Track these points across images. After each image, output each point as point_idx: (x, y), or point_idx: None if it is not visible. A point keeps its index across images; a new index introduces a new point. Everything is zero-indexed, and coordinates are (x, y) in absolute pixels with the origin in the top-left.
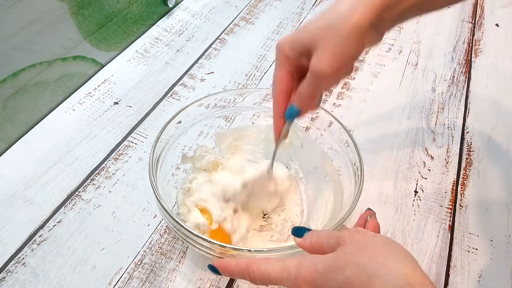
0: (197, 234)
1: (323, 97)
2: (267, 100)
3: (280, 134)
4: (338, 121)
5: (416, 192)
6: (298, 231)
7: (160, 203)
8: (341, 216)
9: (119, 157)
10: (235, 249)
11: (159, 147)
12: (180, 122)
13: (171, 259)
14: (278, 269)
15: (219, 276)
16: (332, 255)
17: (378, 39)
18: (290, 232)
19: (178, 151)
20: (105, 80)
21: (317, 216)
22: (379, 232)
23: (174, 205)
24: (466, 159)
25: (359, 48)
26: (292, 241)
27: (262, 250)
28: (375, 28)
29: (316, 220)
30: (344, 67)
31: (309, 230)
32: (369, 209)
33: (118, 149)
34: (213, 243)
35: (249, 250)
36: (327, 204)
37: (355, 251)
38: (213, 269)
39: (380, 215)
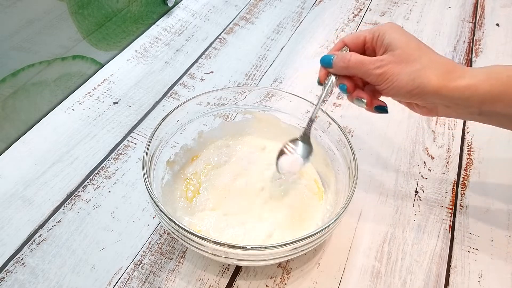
0: (191, 231)
1: (324, 96)
2: (267, 99)
3: (322, 79)
4: (336, 122)
5: (416, 192)
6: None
7: (154, 201)
8: (338, 210)
9: (119, 157)
10: (231, 246)
11: (153, 144)
12: (178, 120)
13: (171, 259)
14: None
15: (218, 276)
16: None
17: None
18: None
19: (176, 149)
20: (104, 80)
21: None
22: None
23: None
24: (467, 159)
25: (416, 90)
26: (288, 237)
27: (259, 247)
28: (446, 103)
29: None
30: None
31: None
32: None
33: (117, 149)
34: (208, 240)
35: (245, 247)
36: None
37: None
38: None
39: (380, 215)
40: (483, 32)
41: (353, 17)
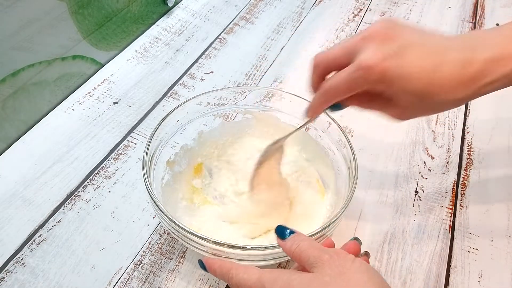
0: (191, 231)
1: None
2: (267, 99)
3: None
4: (336, 122)
5: (416, 192)
6: (282, 232)
7: (154, 201)
8: (337, 211)
9: (119, 157)
10: (231, 246)
11: (153, 144)
12: (178, 120)
13: (171, 259)
14: (253, 280)
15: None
16: (309, 276)
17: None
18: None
19: (176, 149)
20: (104, 80)
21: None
22: (359, 251)
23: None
24: (467, 159)
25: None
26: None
27: (259, 247)
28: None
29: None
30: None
31: (293, 232)
32: (355, 238)
33: (117, 149)
34: (208, 240)
35: (245, 248)
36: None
37: (332, 276)
38: (202, 264)
39: (380, 215)
40: None
41: (353, 17)
